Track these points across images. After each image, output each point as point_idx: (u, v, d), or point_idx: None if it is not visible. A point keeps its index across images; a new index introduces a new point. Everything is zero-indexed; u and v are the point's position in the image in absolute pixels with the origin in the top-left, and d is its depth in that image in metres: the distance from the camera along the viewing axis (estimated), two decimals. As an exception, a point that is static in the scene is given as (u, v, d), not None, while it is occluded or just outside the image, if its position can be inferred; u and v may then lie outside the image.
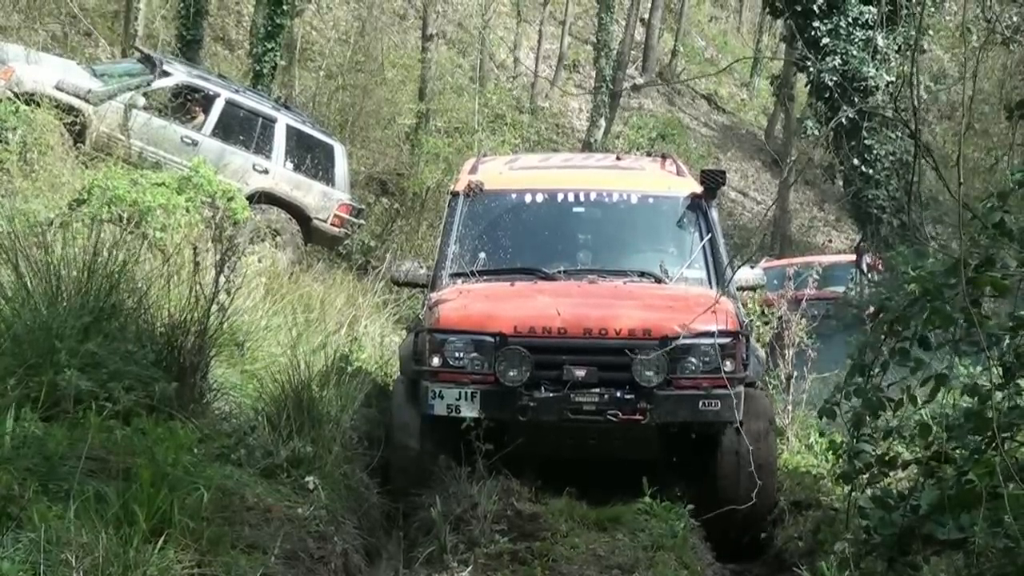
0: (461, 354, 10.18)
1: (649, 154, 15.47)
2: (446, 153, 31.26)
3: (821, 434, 11.95)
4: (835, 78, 24.62)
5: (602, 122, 36.93)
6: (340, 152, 23.89)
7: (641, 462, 10.31)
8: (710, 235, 11.66)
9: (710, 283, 11.36)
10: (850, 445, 8.54)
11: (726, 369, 10.09)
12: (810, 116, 28.84)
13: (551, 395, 10.03)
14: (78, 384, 8.50)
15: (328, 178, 23.18)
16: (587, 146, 35.94)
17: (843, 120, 22.96)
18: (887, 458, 8.44)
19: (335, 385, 10.78)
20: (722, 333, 10.00)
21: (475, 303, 10.74)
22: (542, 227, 12.17)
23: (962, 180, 7.31)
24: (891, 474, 8.44)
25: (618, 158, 14.12)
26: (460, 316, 10.44)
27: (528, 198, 12.02)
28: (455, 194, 12.16)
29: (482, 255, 11.59)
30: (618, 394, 10.02)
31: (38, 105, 19.23)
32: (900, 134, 23.67)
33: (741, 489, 9.80)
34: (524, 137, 35.65)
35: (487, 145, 30.75)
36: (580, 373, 10.07)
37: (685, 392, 10.10)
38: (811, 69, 26.12)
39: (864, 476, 8.21)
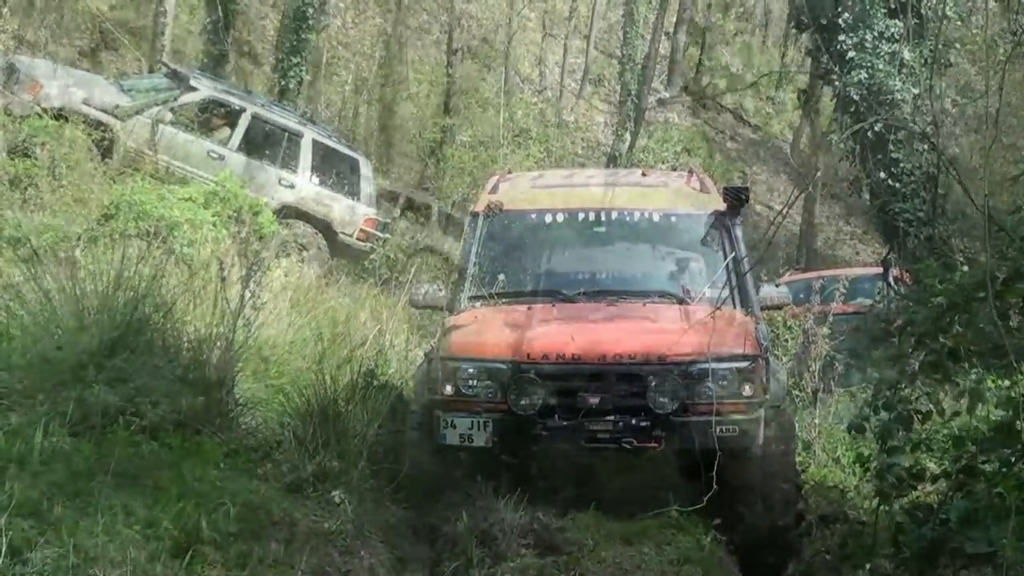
0: (474, 382, 9.79)
1: (675, 168, 14.97)
2: (471, 167, 31.32)
3: (848, 448, 11.72)
4: (861, 92, 24.88)
5: (627, 136, 36.21)
6: (366, 166, 24.06)
7: (658, 484, 9.84)
8: (734, 253, 11.15)
9: (734, 303, 10.85)
10: (880, 459, 8.48)
11: (745, 393, 9.66)
12: (835, 130, 28.81)
13: (564, 423, 9.63)
14: (105, 399, 8.62)
15: (354, 192, 23.33)
16: (612, 160, 35.50)
17: (869, 133, 24.16)
18: (916, 471, 8.39)
19: (361, 400, 10.36)
20: (741, 357, 9.64)
21: (488, 329, 10.36)
22: (563, 247, 11.71)
23: (988, 193, 7.21)
24: (920, 487, 8.36)
25: (643, 174, 13.32)
26: (473, 343, 10.09)
27: (549, 217, 11.55)
28: (475, 214, 11.88)
29: (501, 277, 11.19)
30: (633, 421, 9.61)
31: (66, 120, 19.32)
32: (925, 147, 23.94)
33: (764, 508, 9.73)
34: (549, 151, 35.02)
35: (512, 159, 30.61)
36: (594, 400, 9.65)
37: (701, 418, 9.49)
38: (837, 83, 26.20)
39: (894, 490, 8.19)
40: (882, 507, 8.31)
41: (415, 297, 11.70)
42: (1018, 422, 7.77)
